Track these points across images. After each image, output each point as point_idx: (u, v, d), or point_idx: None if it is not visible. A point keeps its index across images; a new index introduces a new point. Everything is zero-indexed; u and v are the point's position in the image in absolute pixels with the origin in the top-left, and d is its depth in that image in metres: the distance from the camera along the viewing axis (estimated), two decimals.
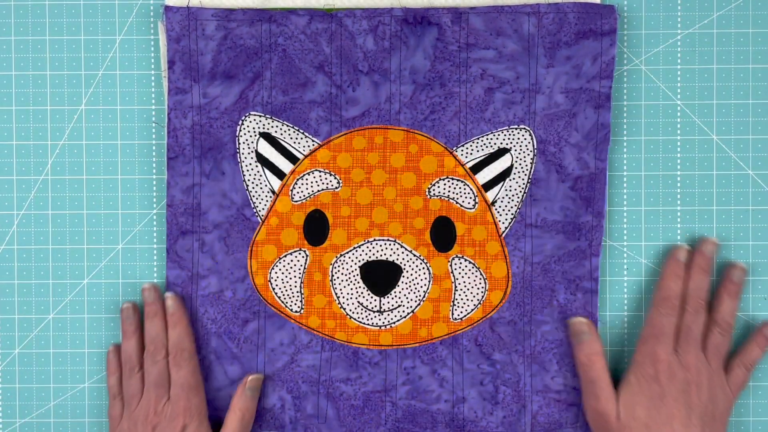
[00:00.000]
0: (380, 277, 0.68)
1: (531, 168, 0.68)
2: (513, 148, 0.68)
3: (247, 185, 0.68)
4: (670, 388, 0.64)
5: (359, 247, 0.68)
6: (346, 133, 0.68)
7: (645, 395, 0.64)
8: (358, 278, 0.68)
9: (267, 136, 0.68)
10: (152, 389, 0.65)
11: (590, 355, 0.66)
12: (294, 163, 0.68)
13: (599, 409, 0.65)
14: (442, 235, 0.68)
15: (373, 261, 0.68)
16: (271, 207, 0.68)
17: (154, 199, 0.69)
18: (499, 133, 0.68)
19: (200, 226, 0.68)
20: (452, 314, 0.68)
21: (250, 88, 0.67)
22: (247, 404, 0.67)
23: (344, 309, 0.68)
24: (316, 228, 0.68)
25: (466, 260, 0.68)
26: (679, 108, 0.69)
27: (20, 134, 0.69)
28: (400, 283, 0.68)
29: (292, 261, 0.68)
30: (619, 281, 0.69)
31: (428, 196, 0.68)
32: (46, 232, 0.69)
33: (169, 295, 0.67)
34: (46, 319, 0.69)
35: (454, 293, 0.68)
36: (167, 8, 0.67)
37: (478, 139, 0.68)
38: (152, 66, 0.69)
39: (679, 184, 0.69)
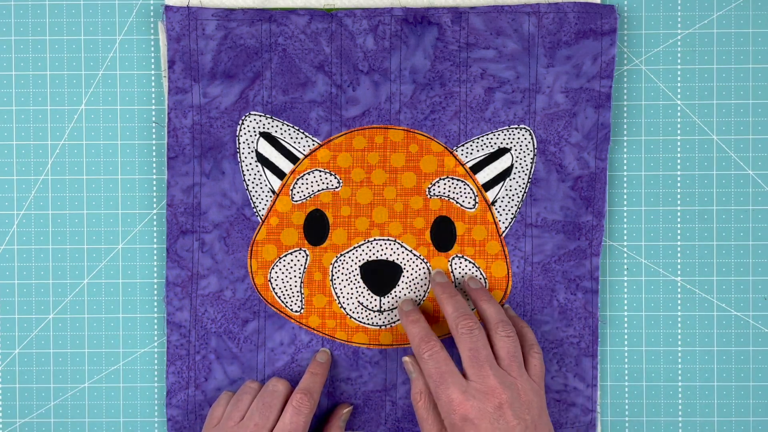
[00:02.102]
0: (380, 276, 0.68)
1: (531, 168, 0.68)
2: (513, 148, 0.68)
3: (247, 185, 0.68)
4: (483, 423, 0.60)
5: (359, 246, 0.68)
6: (346, 133, 0.68)
7: None
8: (358, 278, 0.68)
9: (267, 136, 0.68)
10: (255, 419, 0.64)
11: (414, 393, 0.64)
12: (294, 163, 0.68)
13: None
14: (442, 234, 0.68)
15: (374, 261, 0.68)
16: (271, 207, 0.68)
17: (154, 199, 0.69)
18: (499, 132, 0.68)
19: (200, 225, 0.68)
20: None
21: (250, 87, 0.67)
22: None
23: (344, 309, 0.68)
24: (316, 228, 0.68)
25: (466, 260, 0.68)
26: (679, 108, 0.69)
27: (20, 134, 0.69)
28: (400, 282, 0.68)
29: (292, 261, 0.68)
30: (619, 281, 0.69)
31: (428, 196, 0.68)
32: (46, 232, 0.69)
33: (325, 350, 0.68)
34: (46, 319, 0.69)
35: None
36: (167, 8, 0.67)
37: (478, 138, 0.68)
38: (152, 66, 0.69)
39: (679, 184, 0.69)
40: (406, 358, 0.66)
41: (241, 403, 0.65)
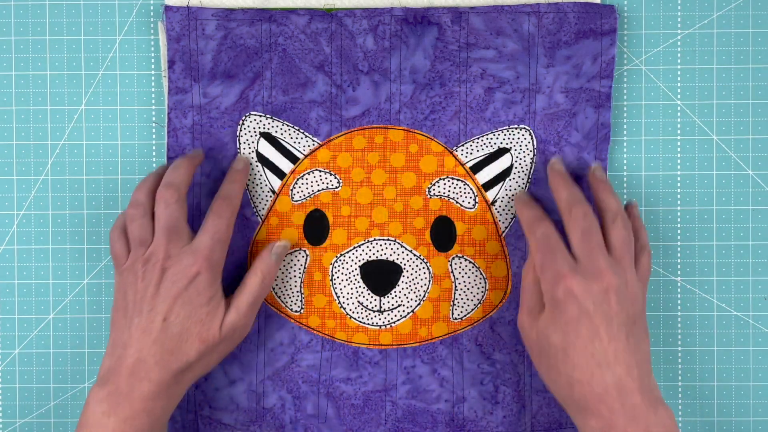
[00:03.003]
0: (380, 276, 0.68)
1: (531, 168, 0.68)
2: (513, 148, 0.68)
3: (247, 185, 0.68)
4: (587, 303, 0.59)
5: (359, 246, 0.68)
6: (346, 133, 0.68)
7: (559, 321, 0.59)
8: (358, 278, 0.68)
9: (267, 136, 0.68)
10: (163, 234, 0.62)
11: (527, 265, 0.64)
12: (294, 163, 0.68)
13: (521, 324, 0.63)
14: (442, 234, 0.68)
15: (374, 261, 0.68)
16: (271, 207, 0.68)
17: None
18: (499, 132, 0.68)
19: (200, 225, 0.68)
20: (452, 314, 0.68)
21: (251, 87, 0.67)
22: (270, 268, 0.65)
23: (344, 309, 0.68)
24: (316, 228, 0.68)
25: (466, 260, 0.68)
26: (679, 108, 0.69)
27: (20, 134, 0.69)
28: (400, 282, 0.68)
29: (292, 261, 0.68)
30: None
31: (428, 196, 0.68)
32: (46, 232, 0.69)
33: (241, 156, 0.67)
34: (46, 319, 0.69)
35: (454, 293, 0.68)
36: (167, 8, 0.67)
37: (478, 138, 0.68)
38: (152, 66, 0.69)
39: (679, 184, 0.69)
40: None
41: (142, 229, 0.63)
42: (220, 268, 0.63)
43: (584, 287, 0.59)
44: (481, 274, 0.68)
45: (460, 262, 0.68)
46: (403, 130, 0.68)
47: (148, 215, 0.63)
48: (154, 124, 0.69)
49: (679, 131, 0.69)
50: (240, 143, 0.68)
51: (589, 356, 0.59)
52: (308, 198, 0.68)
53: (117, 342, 0.62)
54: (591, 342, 0.59)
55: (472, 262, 0.68)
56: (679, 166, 0.69)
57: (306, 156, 0.68)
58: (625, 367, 0.59)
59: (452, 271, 0.68)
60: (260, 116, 0.68)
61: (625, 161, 0.69)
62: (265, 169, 0.68)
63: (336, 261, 0.68)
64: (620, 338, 0.59)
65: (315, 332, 0.68)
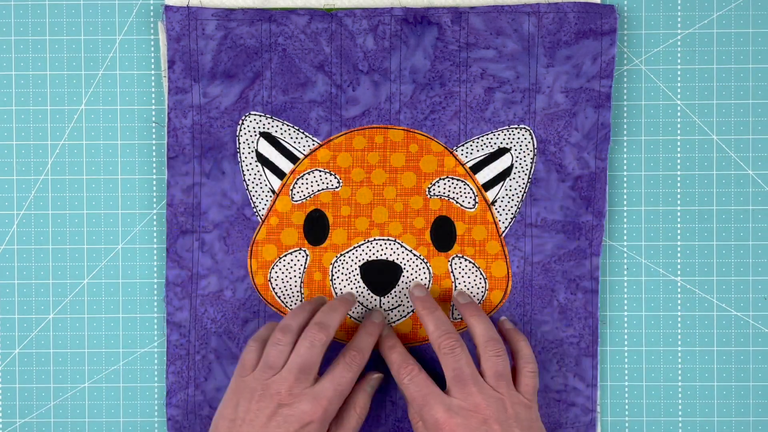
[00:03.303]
0: (380, 276, 0.68)
1: (531, 167, 0.68)
2: (513, 148, 0.68)
3: (247, 185, 0.68)
4: None
5: (359, 246, 0.68)
6: (346, 133, 0.68)
7: None
8: (358, 278, 0.68)
9: (267, 136, 0.68)
10: (295, 370, 0.61)
11: (413, 414, 0.64)
12: (294, 163, 0.68)
13: None
14: (442, 234, 0.68)
15: (373, 260, 0.68)
16: (271, 207, 0.68)
17: (154, 199, 0.69)
18: (499, 132, 0.68)
19: (200, 225, 0.68)
20: (452, 314, 0.68)
21: (250, 87, 0.67)
22: (365, 402, 0.65)
23: None
24: (316, 228, 0.68)
25: (466, 260, 0.68)
26: (679, 108, 0.69)
27: (20, 134, 0.69)
28: (400, 282, 0.68)
29: (292, 261, 0.68)
30: (619, 281, 0.69)
31: (428, 196, 0.68)
32: (46, 232, 0.69)
33: (380, 310, 0.67)
34: (46, 319, 0.69)
35: (454, 293, 0.68)
36: (167, 8, 0.67)
37: (478, 138, 0.68)
38: (152, 66, 0.69)
39: (679, 184, 0.69)
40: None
41: (280, 352, 0.63)
42: (332, 416, 0.62)
43: (464, 427, 0.60)
44: (481, 274, 0.68)
45: (460, 262, 0.68)
46: (403, 130, 0.68)
47: (291, 346, 0.63)
48: (154, 124, 0.69)
49: (679, 131, 0.69)
50: (240, 143, 0.68)
51: None
52: (308, 198, 0.68)
53: None
54: None
55: (472, 262, 0.68)
56: (679, 166, 0.69)
57: (306, 156, 0.68)
58: None
59: (452, 271, 0.68)
60: (260, 116, 0.68)
61: (625, 161, 0.69)
62: (265, 169, 0.68)
63: (336, 261, 0.68)
64: None
65: None
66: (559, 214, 0.68)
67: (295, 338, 0.63)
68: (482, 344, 0.63)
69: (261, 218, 0.68)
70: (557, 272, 0.68)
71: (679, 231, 0.69)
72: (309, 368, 0.62)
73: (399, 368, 0.63)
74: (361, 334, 0.65)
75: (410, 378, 0.62)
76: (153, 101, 0.69)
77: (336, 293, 0.68)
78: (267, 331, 0.65)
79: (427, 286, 0.68)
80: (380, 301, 0.68)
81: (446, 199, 0.68)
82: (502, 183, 0.68)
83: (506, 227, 0.68)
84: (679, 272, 0.69)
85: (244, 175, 0.68)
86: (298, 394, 0.61)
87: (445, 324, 0.63)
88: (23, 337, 0.69)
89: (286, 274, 0.68)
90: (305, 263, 0.68)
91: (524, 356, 0.65)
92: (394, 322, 0.68)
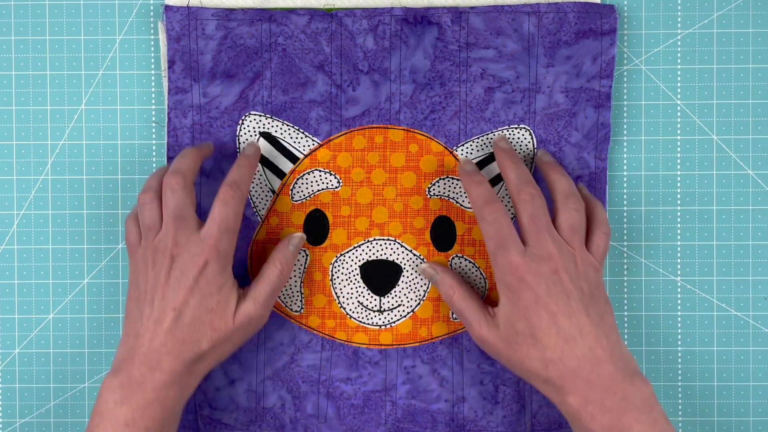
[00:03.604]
0: (380, 276, 0.68)
1: (531, 167, 0.68)
2: (513, 148, 0.67)
3: None
4: (540, 286, 0.60)
5: (359, 246, 0.68)
6: (346, 133, 0.68)
7: (519, 307, 0.61)
8: (358, 278, 0.68)
9: (267, 136, 0.68)
10: (171, 219, 0.61)
11: (445, 290, 0.64)
12: (294, 163, 0.68)
13: (482, 337, 0.63)
14: (442, 234, 0.68)
15: (373, 260, 0.68)
16: (271, 206, 0.68)
17: None
18: (499, 132, 0.68)
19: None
20: (452, 314, 0.68)
21: (250, 87, 0.67)
22: (288, 259, 0.64)
23: (344, 308, 0.68)
24: (316, 227, 0.68)
25: (466, 260, 0.68)
26: (679, 108, 0.69)
27: (20, 134, 0.69)
28: (400, 282, 0.68)
29: None
30: (619, 281, 0.69)
31: (428, 196, 0.68)
32: (46, 232, 0.69)
33: (252, 142, 0.66)
34: (46, 319, 0.69)
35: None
36: (167, 8, 0.67)
37: (478, 138, 0.68)
38: (152, 66, 0.69)
39: (679, 184, 0.69)
40: (423, 265, 0.66)
41: (152, 216, 0.63)
42: (230, 257, 0.62)
43: (535, 272, 0.60)
44: (481, 274, 0.68)
45: (460, 262, 0.68)
46: (403, 129, 0.68)
47: (157, 201, 0.63)
48: (154, 124, 0.69)
49: (679, 131, 0.69)
50: (240, 143, 0.68)
51: (555, 335, 0.60)
52: (308, 198, 0.68)
53: (130, 331, 0.62)
54: (554, 321, 0.60)
55: (472, 262, 0.68)
56: (679, 166, 0.69)
57: (306, 156, 0.68)
58: (593, 338, 0.60)
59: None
60: (260, 116, 0.68)
61: (625, 161, 0.69)
62: (265, 168, 0.68)
63: (336, 261, 0.68)
64: (581, 313, 0.60)
65: (315, 332, 0.68)
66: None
67: (160, 194, 0.63)
68: (562, 198, 0.63)
69: (261, 218, 0.68)
70: None
71: (679, 231, 0.69)
72: (181, 214, 0.62)
73: (483, 204, 0.62)
74: (233, 168, 0.64)
75: (494, 217, 0.62)
76: (153, 101, 0.69)
77: (336, 293, 0.68)
78: (136, 206, 0.65)
79: (427, 286, 0.68)
80: (380, 301, 0.68)
81: (446, 199, 0.68)
82: (502, 183, 0.68)
83: None
84: (679, 272, 0.69)
85: None
86: (184, 242, 0.61)
87: (527, 176, 0.63)
88: (23, 337, 0.69)
89: None
90: (305, 263, 0.68)
91: (600, 219, 0.64)
92: (394, 322, 0.68)
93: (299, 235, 0.66)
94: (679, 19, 0.68)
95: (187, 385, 0.62)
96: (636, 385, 0.60)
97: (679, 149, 0.69)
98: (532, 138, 0.67)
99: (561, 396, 0.60)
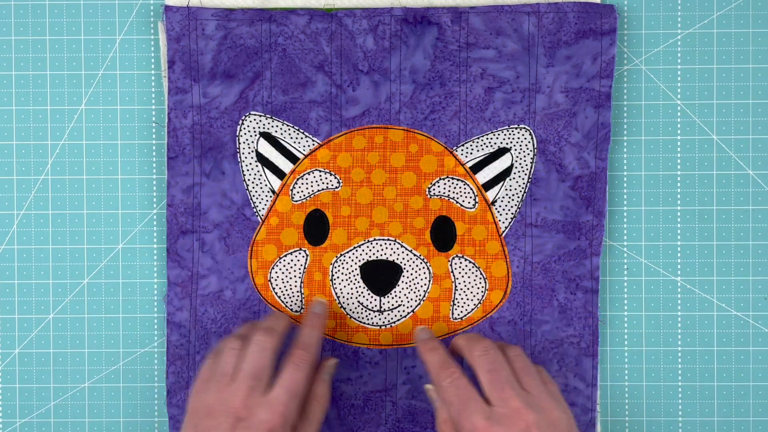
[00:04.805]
0: (380, 276, 0.68)
1: (531, 167, 0.68)
2: (513, 148, 0.68)
3: (247, 185, 0.68)
4: None
5: (359, 246, 0.68)
6: (346, 133, 0.68)
7: None
8: (358, 278, 0.68)
9: (267, 136, 0.68)
10: (247, 378, 0.60)
11: (440, 423, 0.63)
12: (294, 163, 0.68)
13: None
14: (442, 234, 0.68)
15: (374, 261, 0.68)
16: (271, 207, 0.68)
17: (154, 199, 0.69)
18: (499, 132, 0.68)
19: (200, 225, 0.68)
20: (452, 314, 0.68)
21: (250, 87, 0.67)
22: (325, 391, 0.64)
23: (344, 309, 0.68)
24: (316, 228, 0.68)
25: (466, 260, 0.68)
26: (679, 108, 0.69)
27: (20, 134, 0.69)
28: (400, 282, 0.68)
29: (292, 261, 0.68)
30: (619, 281, 0.69)
31: (428, 196, 0.68)
32: (46, 232, 0.69)
33: (321, 300, 0.67)
34: (46, 319, 0.69)
35: (455, 293, 0.68)
36: (167, 8, 0.67)
37: (478, 138, 0.68)
38: (152, 66, 0.69)
39: (679, 184, 0.69)
40: (428, 386, 0.65)
41: (228, 365, 0.62)
42: (293, 418, 0.61)
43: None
44: (481, 274, 0.68)
45: (460, 262, 0.68)
46: (403, 130, 0.68)
47: (239, 351, 0.62)
48: (154, 124, 0.69)
49: (679, 131, 0.69)
50: (240, 143, 0.68)
51: None
52: (308, 198, 0.68)
53: None
54: None
55: (472, 262, 0.68)
56: (679, 166, 0.69)
57: (306, 156, 0.68)
58: None
59: (452, 271, 0.68)
60: (260, 116, 0.68)
61: (625, 161, 0.69)
62: (265, 169, 0.68)
63: (336, 261, 0.68)
64: None
65: None
66: (559, 214, 0.68)
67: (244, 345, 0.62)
68: (509, 352, 0.63)
69: (261, 218, 0.68)
70: (557, 272, 0.68)
71: (679, 231, 0.69)
72: (260, 374, 0.60)
73: (439, 370, 0.62)
74: (305, 329, 0.64)
75: (451, 381, 0.61)
76: (153, 101, 0.69)
77: (336, 293, 0.68)
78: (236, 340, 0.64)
79: (427, 286, 0.68)
80: (380, 301, 0.68)
81: (446, 199, 0.68)
82: (502, 183, 0.68)
83: (506, 227, 0.68)
84: (679, 272, 0.69)
85: (244, 175, 0.68)
86: (253, 405, 0.60)
87: (475, 334, 0.64)
88: (23, 337, 0.69)
89: (286, 275, 0.68)
90: (305, 263, 0.68)
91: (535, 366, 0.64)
92: (394, 322, 0.68)
93: (333, 363, 0.66)
94: (679, 19, 0.68)
95: None
96: None
97: (679, 149, 0.69)
98: (532, 138, 0.67)
99: None
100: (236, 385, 0.60)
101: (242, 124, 0.68)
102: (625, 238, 0.69)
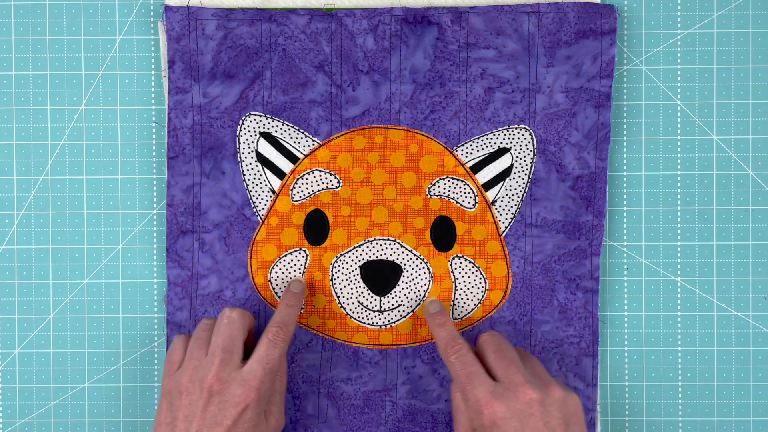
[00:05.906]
0: (380, 276, 0.68)
1: (531, 167, 0.68)
2: (513, 148, 0.68)
3: (247, 185, 0.68)
4: (513, 424, 0.59)
5: (359, 246, 0.68)
6: (346, 133, 0.68)
7: None
8: (359, 278, 0.68)
9: (267, 136, 0.68)
10: (219, 351, 0.61)
11: (454, 386, 0.64)
12: (294, 163, 0.68)
13: None
14: (443, 234, 0.68)
15: (374, 260, 0.68)
16: (271, 207, 0.68)
17: (154, 199, 0.69)
18: (499, 132, 0.68)
19: (200, 225, 0.68)
20: (452, 314, 0.68)
21: (251, 87, 0.67)
22: (285, 362, 0.65)
23: (344, 308, 0.68)
24: (316, 228, 0.68)
25: (466, 260, 0.68)
26: (679, 108, 0.69)
27: (20, 134, 0.69)
28: (400, 282, 0.68)
29: (292, 261, 0.68)
30: (619, 281, 0.69)
31: (428, 196, 0.68)
32: (46, 232, 0.69)
33: (299, 279, 0.67)
34: (46, 319, 0.69)
35: (455, 293, 0.68)
36: (167, 8, 0.67)
37: (478, 138, 0.68)
38: (152, 66, 0.69)
39: (679, 184, 0.69)
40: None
41: (200, 341, 0.63)
42: (267, 396, 0.62)
43: (507, 408, 0.60)
44: (481, 274, 0.68)
45: (460, 262, 0.68)
46: (403, 130, 0.68)
47: (209, 332, 0.64)
48: (154, 124, 0.69)
49: (679, 131, 0.69)
50: (240, 143, 0.68)
51: None
52: (308, 198, 0.68)
53: None
54: None
55: (472, 262, 0.68)
56: (679, 166, 0.69)
57: (306, 156, 0.68)
58: None
59: (452, 271, 0.68)
60: (260, 116, 0.68)
61: (625, 161, 0.69)
62: (265, 169, 0.68)
63: (336, 261, 0.68)
64: None
65: (315, 332, 0.68)
66: (559, 214, 0.68)
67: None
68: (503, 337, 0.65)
69: (261, 218, 0.68)
70: (557, 272, 0.68)
71: (679, 231, 0.69)
72: (230, 346, 0.61)
73: (446, 346, 0.63)
74: (281, 307, 0.64)
75: (457, 356, 0.63)
76: (153, 101, 0.69)
77: (336, 293, 0.68)
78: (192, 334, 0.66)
79: (427, 286, 0.68)
80: (380, 301, 0.68)
81: (446, 199, 0.68)
82: (502, 183, 0.68)
83: (506, 227, 0.68)
84: (679, 272, 0.69)
85: (244, 175, 0.68)
86: (227, 379, 0.61)
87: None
88: (23, 337, 0.69)
89: (286, 274, 0.68)
90: (305, 263, 0.68)
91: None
92: (394, 322, 0.68)
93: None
94: (679, 19, 0.68)
95: None
96: None
97: (679, 149, 0.69)
98: (532, 138, 0.68)
99: None
100: (208, 359, 0.62)
101: (242, 124, 0.68)
102: (625, 238, 0.69)
